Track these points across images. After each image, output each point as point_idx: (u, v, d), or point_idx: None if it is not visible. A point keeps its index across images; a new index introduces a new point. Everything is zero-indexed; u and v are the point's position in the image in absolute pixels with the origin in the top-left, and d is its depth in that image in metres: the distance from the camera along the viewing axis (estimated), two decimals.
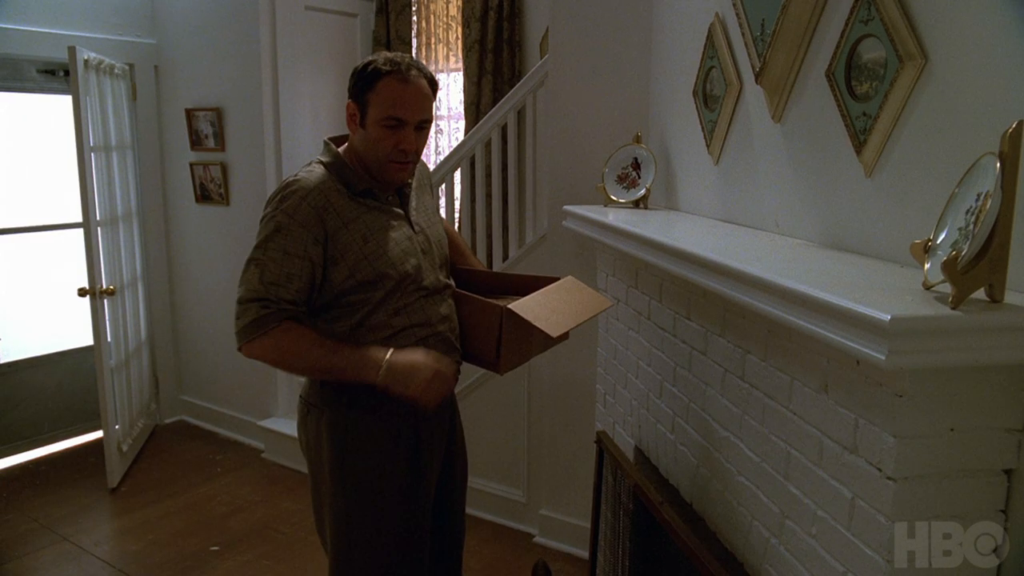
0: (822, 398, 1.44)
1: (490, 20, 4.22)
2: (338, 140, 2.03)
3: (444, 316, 2.01)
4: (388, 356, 1.83)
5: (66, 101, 3.96)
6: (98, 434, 4.36)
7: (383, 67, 1.86)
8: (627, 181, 2.69)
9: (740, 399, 1.79)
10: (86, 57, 3.90)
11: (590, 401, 3.02)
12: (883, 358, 1.11)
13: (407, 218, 2.01)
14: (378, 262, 1.89)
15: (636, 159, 2.67)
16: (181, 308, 5.02)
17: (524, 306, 1.90)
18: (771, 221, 1.96)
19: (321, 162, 1.96)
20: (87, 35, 4.35)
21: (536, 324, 1.83)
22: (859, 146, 1.56)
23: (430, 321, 1.96)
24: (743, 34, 1.97)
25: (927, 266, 1.23)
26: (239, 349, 1.87)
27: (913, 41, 1.40)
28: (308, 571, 3.36)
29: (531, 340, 1.97)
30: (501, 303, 1.96)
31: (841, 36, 1.59)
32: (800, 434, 1.53)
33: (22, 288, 4.61)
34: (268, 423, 4.59)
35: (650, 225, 2.23)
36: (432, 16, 4.65)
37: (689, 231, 2.20)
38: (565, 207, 2.79)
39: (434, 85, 1.95)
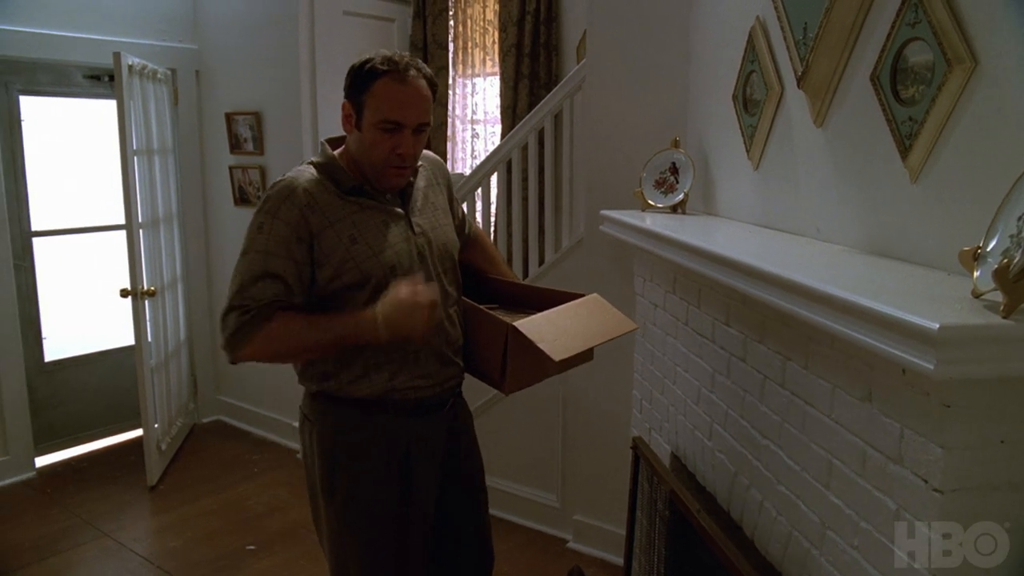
0: (865, 407, 1.42)
1: (527, 24, 4.22)
2: (336, 141, 1.96)
3: (439, 328, 1.91)
4: (378, 310, 1.75)
5: (110, 105, 4.04)
6: (138, 432, 4.44)
7: (380, 66, 1.78)
8: (665, 186, 2.67)
9: (780, 407, 1.77)
10: (130, 63, 3.98)
11: (626, 406, 3.01)
12: (932, 367, 1.08)
13: (407, 218, 1.92)
14: (366, 264, 1.82)
15: (674, 164, 2.66)
16: (219, 309, 5.07)
17: (532, 324, 1.79)
18: (812, 227, 1.94)
19: (312, 162, 1.91)
20: (131, 41, 4.44)
21: (539, 345, 1.72)
22: (904, 151, 1.53)
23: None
24: (785, 38, 1.95)
25: (976, 274, 1.21)
26: (231, 362, 1.85)
27: (962, 44, 1.37)
28: None
29: (543, 360, 1.76)
30: (512, 318, 1.84)
31: (887, 39, 1.57)
32: (842, 443, 1.51)
33: (67, 289, 4.70)
34: None
35: (689, 230, 2.21)
36: (469, 20, 4.66)
37: (728, 236, 2.18)
38: (602, 211, 2.78)
39: (434, 85, 1.87)
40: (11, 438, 4.24)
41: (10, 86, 4.25)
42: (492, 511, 3.75)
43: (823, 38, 1.76)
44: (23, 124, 4.34)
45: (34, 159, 4.41)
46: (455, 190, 2.25)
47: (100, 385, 4.82)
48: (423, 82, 1.82)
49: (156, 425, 4.25)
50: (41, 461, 4.45)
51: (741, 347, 1.97)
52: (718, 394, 2.12)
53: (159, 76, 4.46)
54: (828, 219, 1.87)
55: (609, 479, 3.30)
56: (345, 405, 1.90)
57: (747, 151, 2.25)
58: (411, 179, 1.97)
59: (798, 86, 1.89)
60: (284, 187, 1.83)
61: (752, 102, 2.21)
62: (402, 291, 1.76)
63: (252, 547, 3.60)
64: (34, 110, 4.41)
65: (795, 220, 2.03)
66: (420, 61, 1.86)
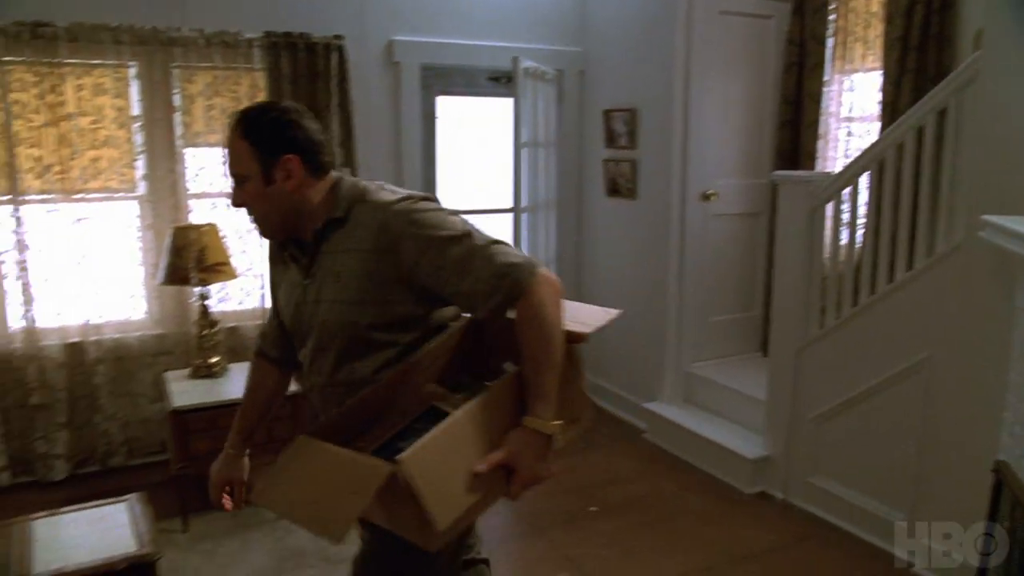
0: None
1: (916, 14, 3.96)
2: None
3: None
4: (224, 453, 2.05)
5: (503, 103, 4.60)
6: None
7: None
8: None
9: None
10: (525, 66, 4.49)
11: (991, 426, 2.75)
12: None
13: (304, 284, 1.82)
14: (282, 314, 1.97)
15: None
16: (587, 290, 5.49)
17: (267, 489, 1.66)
18: None
19: None
20: (526, 46, 5.02)
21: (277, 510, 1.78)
22: None
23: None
24: None
25: None
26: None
27: None
28: (679, 544, 3.57)
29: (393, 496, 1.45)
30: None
31: None
32: None
33: None
34: (652, 406, 4.86)
35: None
36: (850, 13, 4.49)
37: None
38: (983, 216, 2.58)
39: (249, 132, 1.70)
40: None
41: (431, 88, 5.05)
42: (827, 517, 3.67)
43: None
44: (437, 120, 5.13)
45: (442, 149, 5.19)
46: (436, 253, 1.76)
47: None
48: (235, 131, 1.72)
49: None
50: None
51: None
52: None
53: (547, 76, 4.96)
54: None
55: (964, 503, 3.05)
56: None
57: None
58: (310, 237, 1.80)
59: None
60: None
61: None
62: (214, 469, 2.07)
63: (595, 509, 3.92)
64: (445, 107, 5.19)
65: None
66: (247, 107, 1.80)
